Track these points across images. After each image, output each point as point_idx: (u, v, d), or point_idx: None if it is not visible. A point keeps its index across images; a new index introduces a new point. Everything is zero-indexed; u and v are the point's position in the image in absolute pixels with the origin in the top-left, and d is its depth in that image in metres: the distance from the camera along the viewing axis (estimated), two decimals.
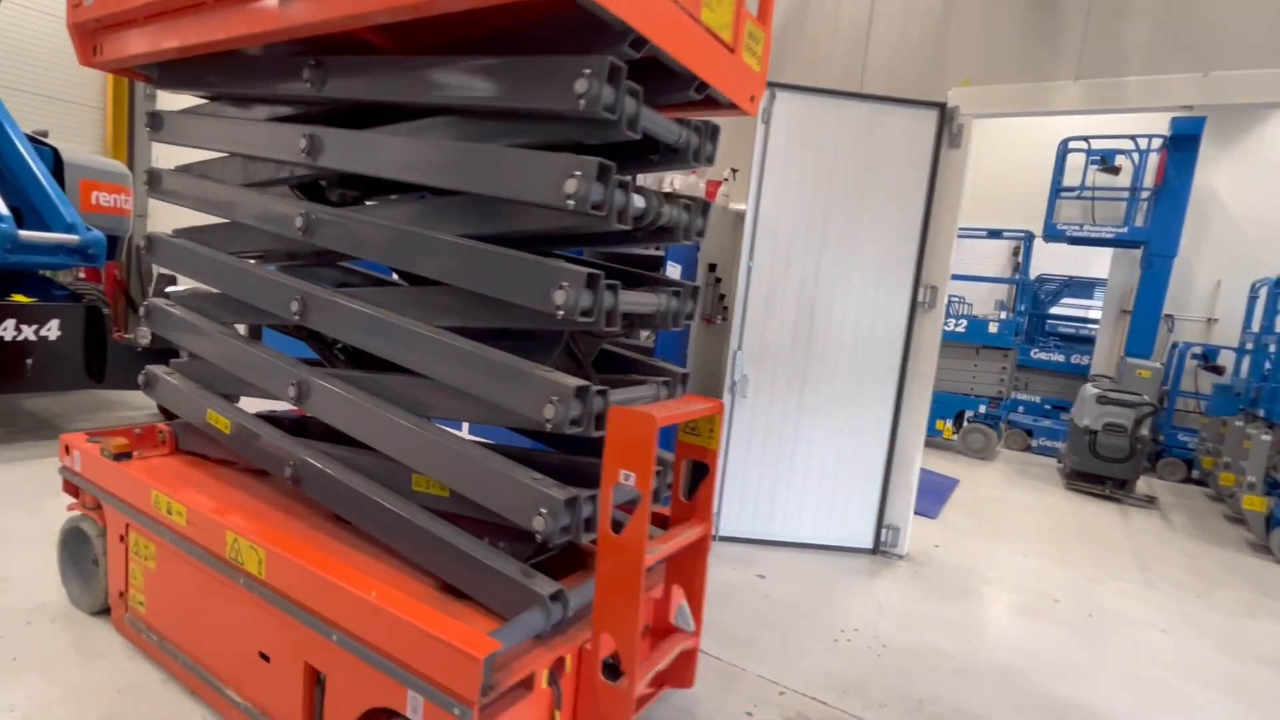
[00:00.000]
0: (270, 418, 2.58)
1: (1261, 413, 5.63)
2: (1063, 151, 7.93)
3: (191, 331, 2.61)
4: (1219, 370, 7.68)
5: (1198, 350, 7.79)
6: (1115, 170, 8.08)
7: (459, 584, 1.94)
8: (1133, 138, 7.69)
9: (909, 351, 4.12)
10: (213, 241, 2.60)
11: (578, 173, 1.61)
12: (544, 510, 1.72)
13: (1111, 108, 3.61)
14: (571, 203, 1.62)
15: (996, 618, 3.60)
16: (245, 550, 1.99)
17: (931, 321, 4.11)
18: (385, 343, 2.04)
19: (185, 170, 2.67)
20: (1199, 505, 6.59)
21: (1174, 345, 8.00)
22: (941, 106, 3.93)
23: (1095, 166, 8.09)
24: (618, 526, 1.75)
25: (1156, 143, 7.54)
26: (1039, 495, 6.37)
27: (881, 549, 4.28)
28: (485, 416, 1.95)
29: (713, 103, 2.06)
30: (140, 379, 2.79)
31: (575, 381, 1.71)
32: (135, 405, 5.86)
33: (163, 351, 5.03)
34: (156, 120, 2.62)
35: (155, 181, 2.70)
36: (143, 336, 5.37)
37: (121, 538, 2.48)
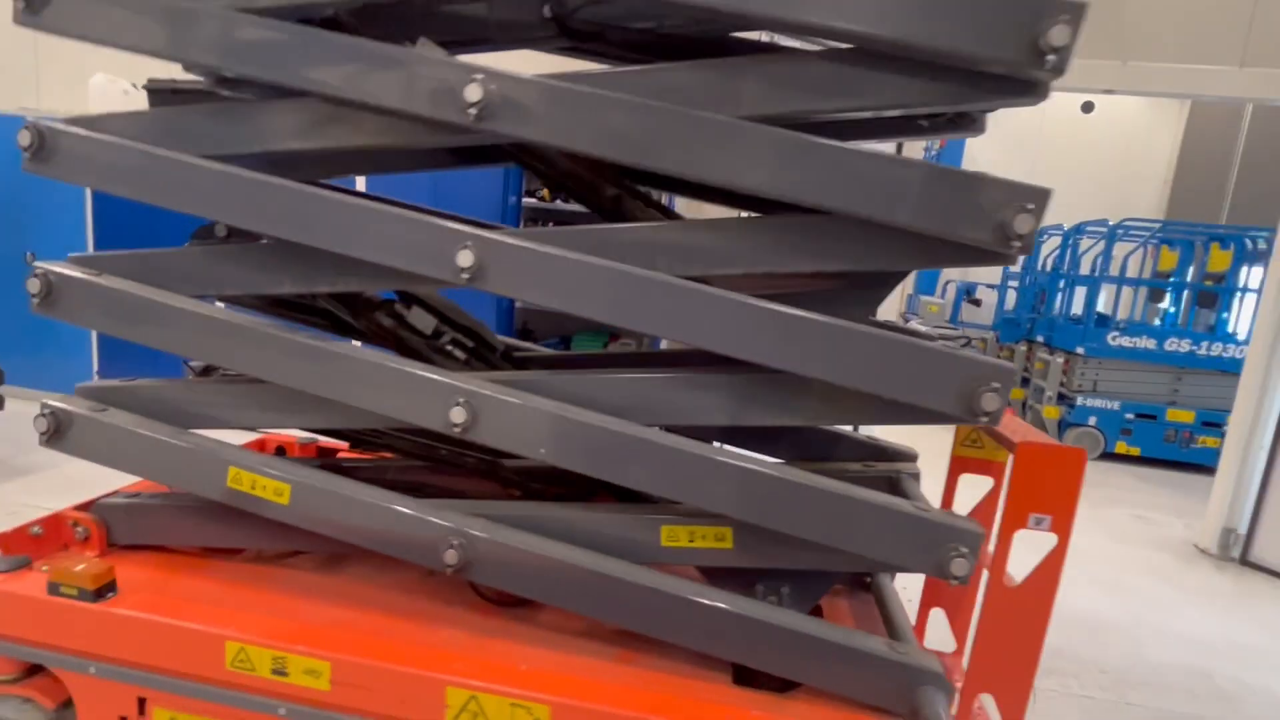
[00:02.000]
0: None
1: (1041, 339, 7.06)
2: None
3: (176, 322, 1.60)
4: (978, 303, 9.45)
5: (965, 287, 9.48)
6: None
7: (790, 672, 1.50)
8: None
9: None
10: (196, 137, 1.59)
11: (1066, 16, 1.14)
12: (965, 550, 1.37)
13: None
14: (1052, 60, 1.17)
15: None
16: (498, 711, 1.31)
17: None
18: (681, 323, 1.41)
19: None
20: None
21: (946, 283, 9.62)
22: None
23: None
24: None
25: None
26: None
27: None
28: (843, 415, 1.50)
29: None
30: (41, 424, 1.65)
31: (1007, 362, 1.36)
32: None
33: None
34: None
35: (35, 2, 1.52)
36: None
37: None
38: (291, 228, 1.53)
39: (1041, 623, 1.49)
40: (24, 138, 1.54)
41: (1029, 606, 1.48)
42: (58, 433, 1.64)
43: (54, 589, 1.47)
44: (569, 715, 1.30)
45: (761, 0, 1.31)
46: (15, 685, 1.54)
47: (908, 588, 2.00)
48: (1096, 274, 6.53)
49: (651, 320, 1.45)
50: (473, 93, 1.37)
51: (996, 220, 1.25)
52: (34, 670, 1.56)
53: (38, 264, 1.62)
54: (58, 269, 1.61)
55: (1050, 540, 1.45)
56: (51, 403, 1.63)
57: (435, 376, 1.51)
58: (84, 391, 1.73)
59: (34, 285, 1.60)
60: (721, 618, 1.47)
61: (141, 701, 1.47)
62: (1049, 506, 1.43)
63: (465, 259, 1.43)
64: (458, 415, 1.47)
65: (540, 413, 1.47)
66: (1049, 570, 1.47)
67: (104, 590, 1.48)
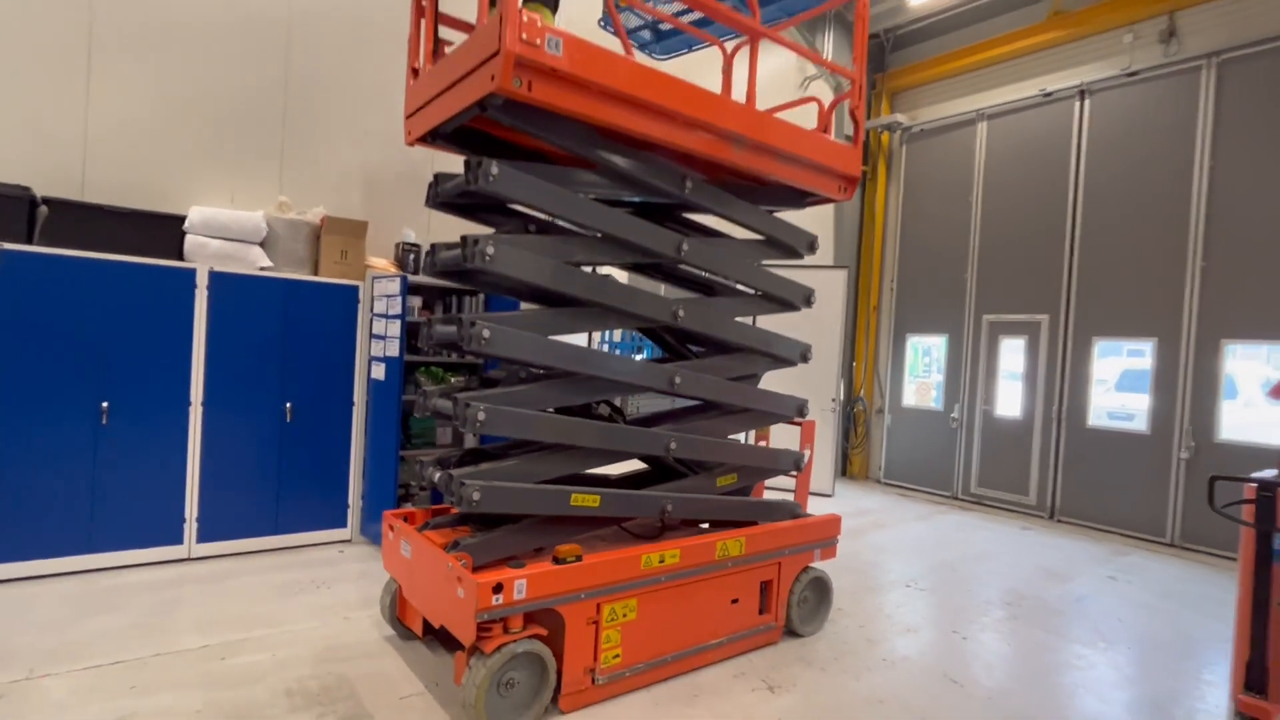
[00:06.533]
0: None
1: None
2: None
3: (558, 427, 3.16)
4: None
5: None
6: None
7: (757, 517, 4.06)
8: None
9: None
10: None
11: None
12: (804, 459, 4.23)
13: None
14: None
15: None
16: (731, 546, 3.50)
17: None
18: None
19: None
20: None
21: None
22: None
23: None
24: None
25: None
26: None
27: None
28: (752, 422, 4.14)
29: None
30: (476, 494, 2.90)
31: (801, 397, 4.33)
32: None
33: None
34: (482, 173, 2.89)
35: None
36: None
37: (590, 621, 2.98)
38: (601, 370, 3.29)
39: (810, 473, 4.48)
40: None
41: (809, 471, 4.45)
42: (482, 498, 2.90)
43: (562, 561, 2.88)
44: (751, 540, 3.58)
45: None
46: (523, 633, 2.81)
47: None
48: None
49: (719, 394, 3.83)
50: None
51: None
52: (527, 622, 2.84)
53: (475, 403, 2.86)
54: (485, 404, 2.89)
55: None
56: (478, 482, 2.89)
57: (658, 431, 3.51)
58: (465, 475, 2.95)
59: (480, 414, 2.86)
60: (742, 506, 3.94)
61: (598, 606, 3.01)
62: (808, 442, 4.44)
63: (678, 379, 3.53)
64: (674, 445, 3.53)
65: (708, 441, 3.66)
66: (810, 463, 4.47)
67: (580, 555, 2.96)
